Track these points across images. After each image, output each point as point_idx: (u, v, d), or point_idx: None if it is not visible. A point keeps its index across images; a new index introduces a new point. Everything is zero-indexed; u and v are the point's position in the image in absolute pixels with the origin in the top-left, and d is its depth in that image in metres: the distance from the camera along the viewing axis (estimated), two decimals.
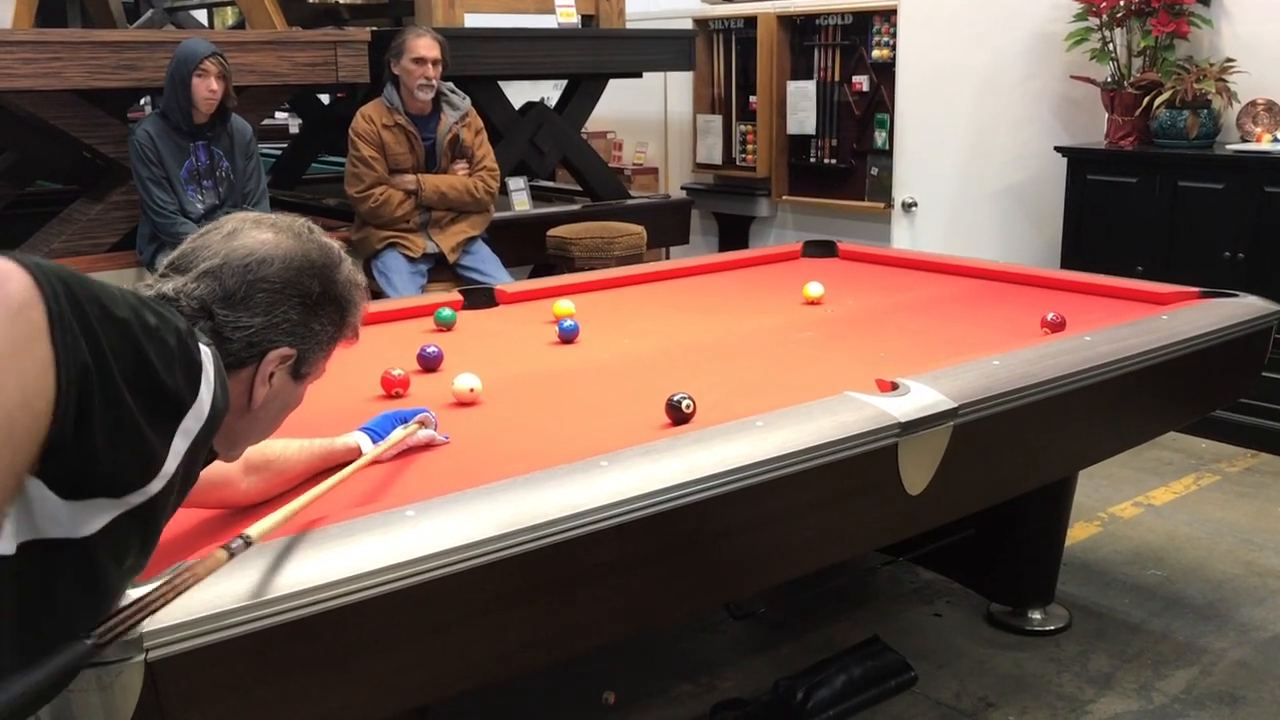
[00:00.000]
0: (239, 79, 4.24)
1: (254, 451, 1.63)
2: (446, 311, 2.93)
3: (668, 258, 5.86)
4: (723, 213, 6.86)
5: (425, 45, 4.39)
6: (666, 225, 5.67)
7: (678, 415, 2.05)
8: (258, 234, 1.36)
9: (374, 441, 1.89)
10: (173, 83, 4.06)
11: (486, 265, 4.62)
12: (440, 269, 4.59)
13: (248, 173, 4.32)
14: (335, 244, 1.45)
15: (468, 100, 4.64)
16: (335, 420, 2.00)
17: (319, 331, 1.40)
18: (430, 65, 4.39)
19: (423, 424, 1.98)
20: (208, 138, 4.18)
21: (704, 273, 3.65)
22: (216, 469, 1.53)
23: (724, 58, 6.63)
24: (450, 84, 4.60)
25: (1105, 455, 2.91)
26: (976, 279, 3.42)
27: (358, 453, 1.85)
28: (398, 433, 1.91)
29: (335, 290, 1.41)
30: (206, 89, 4.04)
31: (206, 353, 1.19)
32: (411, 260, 4.50)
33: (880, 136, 5.98)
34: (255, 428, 1.42)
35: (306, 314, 1.37)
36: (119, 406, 1.01)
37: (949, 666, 2.83)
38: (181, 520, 1.54)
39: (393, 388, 2.32)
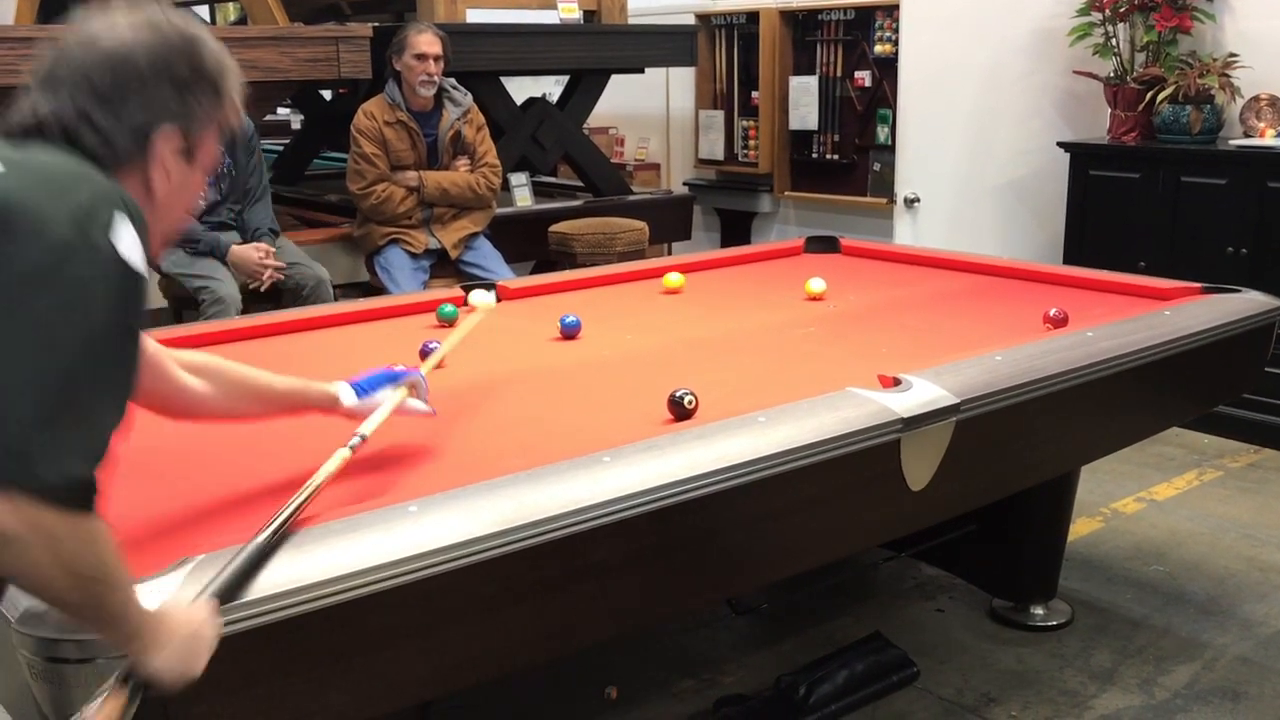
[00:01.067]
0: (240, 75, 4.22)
1: (190, 355, 1.71)
2: (448, 307, 2.93)
3: (670, 253, 5.86)
4: (725, 208, 6.84)
5: (427, 41, 4.39)
6: (668, 221, 5.67)
7: (680, 411, 2.05)
8: (114, 33, 1.37)
9: (358, 396, 1.90)
10: None
11: (488, 261, 4.61)
12: (442, 265, 4.58)
13: (249, 169, 4.31)
14: (192, 22, 1.45)
15: (469, 96, 4.64)
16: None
17: (198, 110, 1.41)
18: (432, 61, 4.39)
19: (413, 386, 1.98)
20: None
21: (706, 268, 3.64)
22: (153, 359, 1.61)
23: (726, 53, 6.62)
24: (452, 80, 4.59)
25: (1107, 451, 2.91)
26: (979, 274, 3.41)
27: (335, 401, 1.89)
28: (387, 405, 1.90)
29: (204, 67, 1.42)
30: None
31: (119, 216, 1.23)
32: (414, 256, 4.50)
33: (882, 132, 5.97)
34: (163, 218, 1.43)
35: (182, 94, 1.39)
36: None
37: (951, 662, 2.83)
38: (178, 509, 1.54)
39: None
